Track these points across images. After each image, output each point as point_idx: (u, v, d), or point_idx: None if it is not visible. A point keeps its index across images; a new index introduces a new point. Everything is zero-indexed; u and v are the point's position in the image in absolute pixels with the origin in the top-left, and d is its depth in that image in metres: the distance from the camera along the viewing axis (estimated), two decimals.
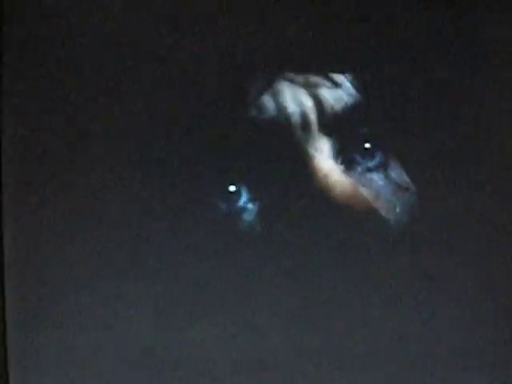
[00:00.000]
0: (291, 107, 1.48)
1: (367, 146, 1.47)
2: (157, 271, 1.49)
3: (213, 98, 1.49)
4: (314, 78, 1.48)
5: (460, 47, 1.52)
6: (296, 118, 1.47)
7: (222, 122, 1.49)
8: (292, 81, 1.47)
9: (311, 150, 1.48)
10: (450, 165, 1.52)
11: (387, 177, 1.49)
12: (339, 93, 1.48)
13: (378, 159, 1.48)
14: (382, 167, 1.49)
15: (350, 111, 1.48)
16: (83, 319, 1.49)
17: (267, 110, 1.47)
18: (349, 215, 1.50)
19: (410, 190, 1.49)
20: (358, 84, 1.49)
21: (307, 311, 1.51)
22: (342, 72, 1.49)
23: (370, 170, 1.49)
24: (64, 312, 1.48)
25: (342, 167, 1.48)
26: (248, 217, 1.50)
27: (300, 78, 1.48)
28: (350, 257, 1.50)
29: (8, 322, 1.46)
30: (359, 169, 1.49)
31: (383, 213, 1.50)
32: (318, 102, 1.47)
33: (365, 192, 1.49)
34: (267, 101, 1.47)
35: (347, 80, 1.48)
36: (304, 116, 1.47)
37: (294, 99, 1.47)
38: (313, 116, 1.47)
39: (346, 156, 1.48)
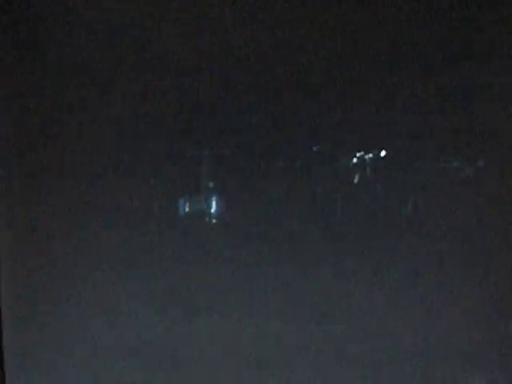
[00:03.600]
0: None
1: None
2: (156, 268, 1.50)
3: None
4: None
5: None
6: None
7: None
8: None
9: None
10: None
11: None
12: None
13: None
14: None
15: None
16: (81, 318, 1.49)
17: None
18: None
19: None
20: None
21: (307, 309, 1.51)
22: None
23: None
24: (62, 311, 1.49)
25: None
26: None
27: None
28: (350, 256, 1.51)
29: (4, 320, 1.46)
30: None
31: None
32: None
33: None
34: None
35: None
36: None
37: None
38: None
39: None
